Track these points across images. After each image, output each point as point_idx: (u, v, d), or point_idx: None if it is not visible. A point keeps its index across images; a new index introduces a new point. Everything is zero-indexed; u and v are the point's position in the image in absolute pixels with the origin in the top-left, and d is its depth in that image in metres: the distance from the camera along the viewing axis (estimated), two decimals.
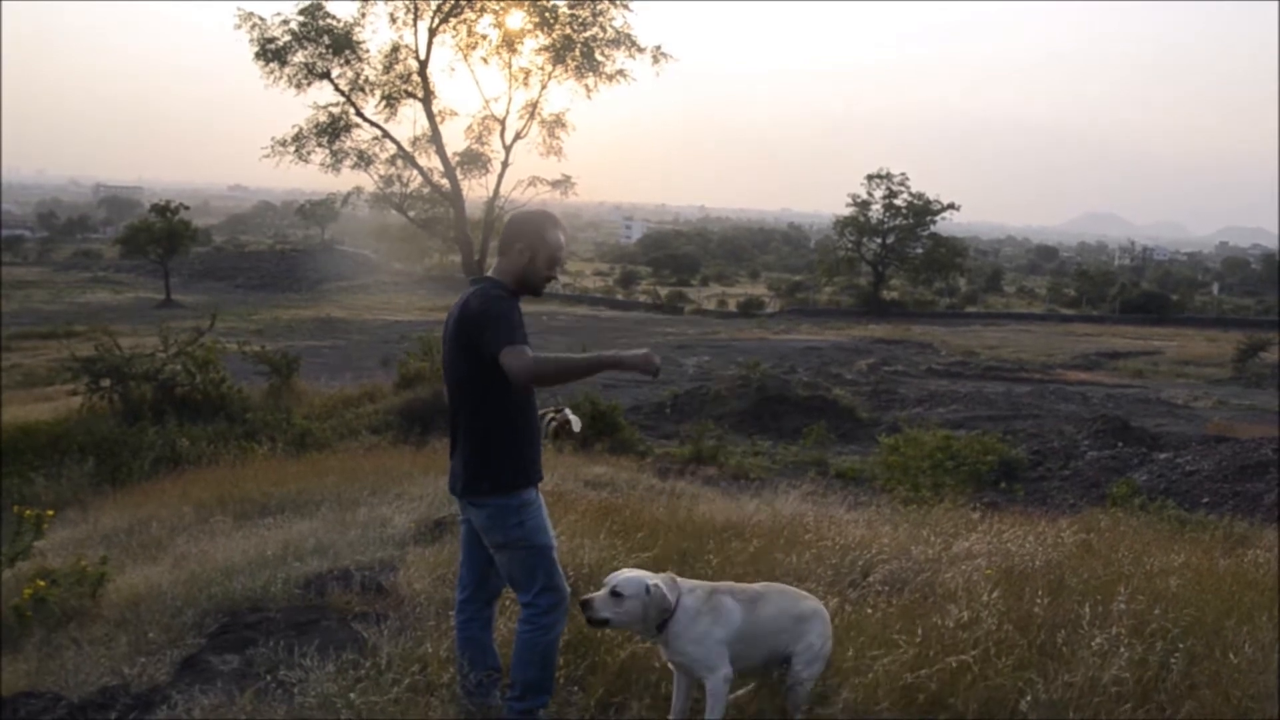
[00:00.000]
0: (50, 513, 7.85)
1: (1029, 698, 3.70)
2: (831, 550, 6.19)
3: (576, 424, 4.15)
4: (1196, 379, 40.49)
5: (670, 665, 3.89)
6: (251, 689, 4.10)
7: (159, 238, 61.50)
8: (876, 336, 53.24)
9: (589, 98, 24.95)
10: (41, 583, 6.25)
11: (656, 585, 3.74)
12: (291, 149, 24.26)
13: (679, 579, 3.87)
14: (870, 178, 77.75)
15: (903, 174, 77.62)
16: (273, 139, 24.50)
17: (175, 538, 8.26)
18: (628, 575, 3.81)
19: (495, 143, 25.49)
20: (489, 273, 3.98)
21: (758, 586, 4.08)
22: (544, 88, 25.06)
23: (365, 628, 4.82)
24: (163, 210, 62.13)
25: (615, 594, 3.73)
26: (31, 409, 19.09)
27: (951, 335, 55.06)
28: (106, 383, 17.90)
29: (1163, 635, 4.32)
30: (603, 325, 56.04)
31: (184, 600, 5.71)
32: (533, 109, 25.08)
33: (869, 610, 4.71)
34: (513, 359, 3.64)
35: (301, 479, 10.98)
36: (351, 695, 3.83)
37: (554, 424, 4.14)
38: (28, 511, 7.33)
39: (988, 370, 40.11)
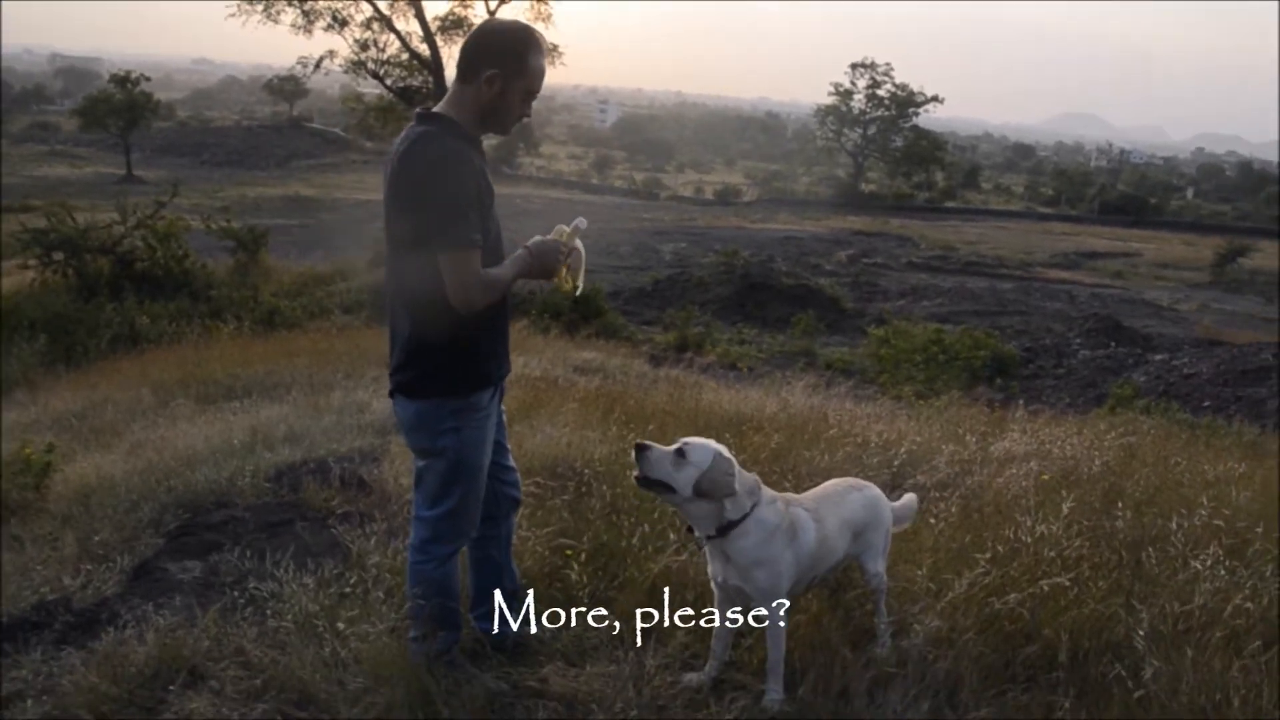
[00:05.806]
0: None
1: (1141, 631, 3.12)
2: (860, 448, 5.65)
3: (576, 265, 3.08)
4: (1175, 282, 40.28)
5: (714, 588, 3.21)
6: (216, 605, 3.46)
7: (119, 110, 59.46)
8: (855, 228, 52.43)
9: None
10: None
11: (728, 458, 3.03)
12: (259, 6, 22.85)
13: (763, 485, 3.15)
14: (854, 66, 76.49)
15: (887, 64, 76.41)
16: None
17: (132, 423, 7.60)
18: (700, 440, 3.06)
19: (479, 6, 24.23)
20: (441, 105, 3.00)
21: (814, 494, 3.46)
22: None
23: (347, 531, 4.20)
24: (123, 81, 59.84)
25: (680, 454, 2.98)
26: None
27: (930, 229, 54.37)
28: (59, 256, 16.94)
29: (1266, 556, 3.78)
30: (576, 209, 54.76)
31: (140, 494, 5.07)
32: None
33: (930, 520, 4.12)
34: (453, 273, 2.81)
35: (270, 360, 10.32)
36: (339, 624, 3.17)
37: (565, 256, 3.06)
38: None
39: (968, 265, 39.67)
